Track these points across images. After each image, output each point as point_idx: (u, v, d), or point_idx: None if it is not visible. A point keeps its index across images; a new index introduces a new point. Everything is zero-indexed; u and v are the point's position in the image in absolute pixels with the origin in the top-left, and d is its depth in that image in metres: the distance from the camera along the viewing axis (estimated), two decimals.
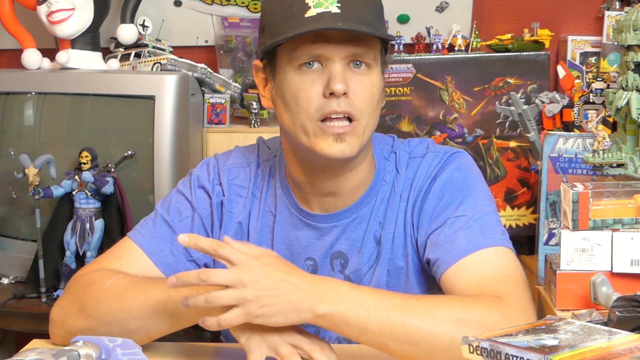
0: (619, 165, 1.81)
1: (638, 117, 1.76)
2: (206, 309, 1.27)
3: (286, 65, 1.40)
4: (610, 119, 2.04)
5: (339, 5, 1.36)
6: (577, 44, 2.72)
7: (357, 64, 1.38)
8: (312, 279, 1.28)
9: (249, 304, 1.24)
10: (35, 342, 1.47)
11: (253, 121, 2.64)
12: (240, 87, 2.70)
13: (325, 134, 1.38)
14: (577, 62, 2.69)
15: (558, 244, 1.76)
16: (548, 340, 1.00)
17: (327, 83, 1.36)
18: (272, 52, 1.42)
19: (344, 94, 1.36)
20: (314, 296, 1.25)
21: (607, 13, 2.65)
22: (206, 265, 1.55)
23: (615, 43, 1.87)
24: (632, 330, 1.21)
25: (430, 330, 1.24)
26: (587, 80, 2.42)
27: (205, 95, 2.63)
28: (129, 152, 2.44)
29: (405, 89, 2.55)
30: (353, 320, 1.25)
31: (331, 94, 1.36)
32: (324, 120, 1.38)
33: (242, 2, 2.87)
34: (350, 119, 1.38)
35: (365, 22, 1.37)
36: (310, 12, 1.36)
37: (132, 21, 2.70)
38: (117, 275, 1.44)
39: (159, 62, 2.65)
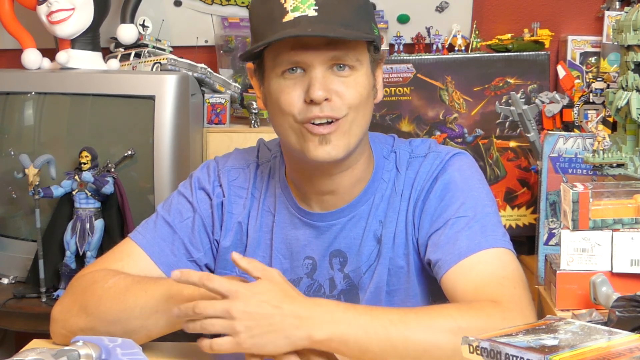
0: (619, 165, 1.81)
1: (638, 117, 1.76)
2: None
3: (271, 71, 1.40)
4: (610, 119, 2.04)
5: (317, 8, 1.35)
6: (577, 44, 2.72)
7: (340, 67, 1.38)
8: (306, 304, 1.26)
9: (240, 334, 1.23)
10: (35, 342, 1.47)
11: (253, 121, 2.64)
12: (240, 87, 2.70)
13: (311, 134, 1.38)
14: (577, 62, 2.69)
15: (558, 244, 1.76)
16: (548, 340, 1.00)
17: (307, 89, 1.36)
18: (260, 56, 1.42)
19: (326, 99, 1.36)
20: (309, 323, 1.23)
21: (607, 13, 2.65)
22: (207, 266, 1.55)
23: (615, 43, 1.87)
24: (632, 330, 1.21)
25: (432, 342, 1.24)
26: (587, 80, 2.42)
27: (205, 95, 2.63)
28: (129, 152, 2.44)
29: (405, 89, 2.55)
30: (353, 342, 1.24)
31: (311, 100, 1.36)
32: (307, 122, 1.38)
33: (242, 2, 2.87)
34: (335, 120, 1.38)
35: (344, 23, 1.36)
36: (288, 17, 1.35)
37: (132, 21, 2.71)
38: (118, 275, 1.44)
39: (159, 62, 2.65)
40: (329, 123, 1.38)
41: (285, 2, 1.36)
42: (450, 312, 1.28)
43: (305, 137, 1.39)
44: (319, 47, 1.35)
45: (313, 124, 1.38)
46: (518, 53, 2.55)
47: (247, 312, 1.23)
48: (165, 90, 2.41)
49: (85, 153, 2.37)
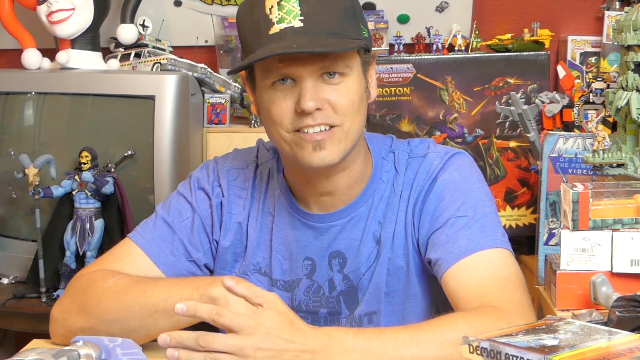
0: (619, 165, 1.81)
1: (638, 117, 1.76)
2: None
3: (261, 82, 1.40)
4: (610, 119, 2.04)
5: (302, 18, 1.34)
6: (577, 44, 2.72)
7: (330, 74, 1.37)
8: (315, 336, 1.23)
9: None
10: (35, 342, 1.47)
11: (253, 121, 2.64)
12: (240, 87, 2.70)
13: (304, 141, 1.38)
14: (577, 62, 2.69)
15: (558, 244, 1.76)
16: (548, 340, 1.00)
17: (298, 100, 1.36)
18: (250, 65, 1.41)
19: (317, 109, 1.36)
20: (322, 356, 1.21)
21: (607, 13, 2.65)
22: (206, 266, 1.55)
23: (615, 43, 1.87)
24: (632, 330, 1.21)
25: (445, 357, 1.22)
26: (587, 80, 2.42)
27: (205, 95, 2.63)
28: (129, 152, 2.44)
29: (405, 89, 2.55)
30: None
31: (302, 111, 1.36)
32: (299, 130, 1.38)
33: None
34: (329, 126, 1.38)
35: (330, 32, 1.35)
36: (274, 29, 1.34)
37: (132, 21, 2.70)
38: (117, 275, 1.45)
39: (159, 62, 2.65)
40: (323, 127, 1.38)
41: (270, 13, 1.35)
42: (459, 323, 1.27)
43: (298, 144, 1.39)
44: (308, 58, 1.35)
45: (306, 132, 1.38)
46: (518, 53, 2.55)
47: (261, 348, 1.19)
48: (165, 90, 2.41)
49: (85, 153, 2.37)
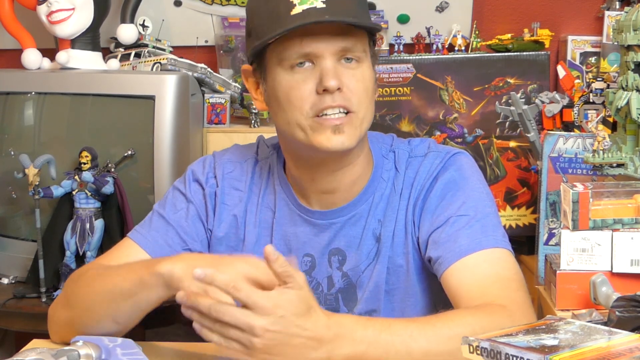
0: (619, 165, 1.81)
1: (638, 117, 1.76)
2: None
3: (276, 67, 1.40)
4: (610, 119, 2.04)
5: (324, 0, 1.36)
6: (577, 44, 2.72)
7: (347, 59, 1.39)
8: (328, 324, 1.22)
9: (256, 350, 1.18)
10: (35, 342, 1.47)
11: (253, 121, 2.64)
12: (240, 87, 2.70)
13: (323, 127, 1.38)
14: (577, 62, 2.69)
15: (558, 244, 1.76)
16: (548, 340, 1.00)
17: (320, 80, 1.37)
18: (261, 54, 1.42)
19: (338, 89, 1.37)
20: (329, 345, 1.21)
21: (607, 13, 2.65)
22: None
23: (615, 43, 1.87)
24: (632, 330, 1.21)
25: (452, 352, 1.21)
26: (587, 80, 2.42)
27: (205, 95, 2.63)
28: (129, 152, 2.44)
29: (405, 89, 2.55)
30: None
31: (325, 90, 1.36)
32: (319, 115, 1.39)
33: (242, 2, 2.87)
34: (346, 112, 1.39)
35: (351, 15, 1.38)
36: (296, 10, 1.36)
37: (132, 21, 2.71)
38: (102, 267, 1.46)
39: (159, 62, 2.65)
40: (341, 113, 1.39)
41: None
42: (467, 319, 1.27)
43: (317, 129, 1.39)
44: (329, 37, 1.37)
45: (325, 115, 1.38)
46: (518, 53, 2.55)
47: (271, 331, 1.18)
48: (165, 90, 2.41)
49: (85, 153, 2.37)
